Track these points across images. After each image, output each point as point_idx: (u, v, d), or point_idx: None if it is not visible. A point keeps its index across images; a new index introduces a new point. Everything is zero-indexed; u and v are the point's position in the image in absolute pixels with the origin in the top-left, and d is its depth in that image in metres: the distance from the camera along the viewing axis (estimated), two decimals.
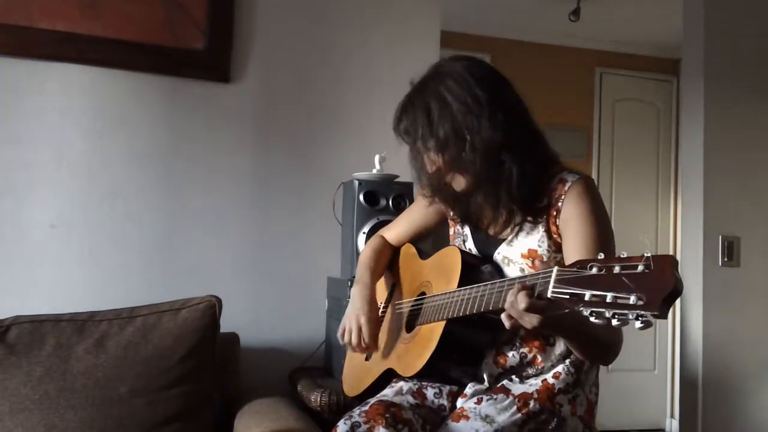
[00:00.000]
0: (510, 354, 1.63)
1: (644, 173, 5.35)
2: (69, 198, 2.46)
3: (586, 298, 1.10)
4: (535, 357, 1.62)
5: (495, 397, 1.57)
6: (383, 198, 2.32)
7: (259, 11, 2.67)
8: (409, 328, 1.75)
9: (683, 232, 3.31)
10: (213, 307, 2.18)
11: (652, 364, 5.27)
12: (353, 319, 1.80)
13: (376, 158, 2.38)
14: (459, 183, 1.62)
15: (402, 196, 2.31)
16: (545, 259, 1.58)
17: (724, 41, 3.11)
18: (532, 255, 1.59)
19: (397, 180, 2.37)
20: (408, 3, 2.86)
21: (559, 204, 1.56)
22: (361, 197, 2.31)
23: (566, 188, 1.56)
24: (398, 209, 2.25)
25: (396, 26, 2.83)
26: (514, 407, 1.54)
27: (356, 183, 2.32)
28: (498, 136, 1.53)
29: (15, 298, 2.35)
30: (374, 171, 2.37)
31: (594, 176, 5.22)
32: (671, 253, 5.23)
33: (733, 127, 3.11)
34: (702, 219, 3.04)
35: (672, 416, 5.19)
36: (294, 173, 2.68)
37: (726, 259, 3.04)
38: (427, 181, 1.68)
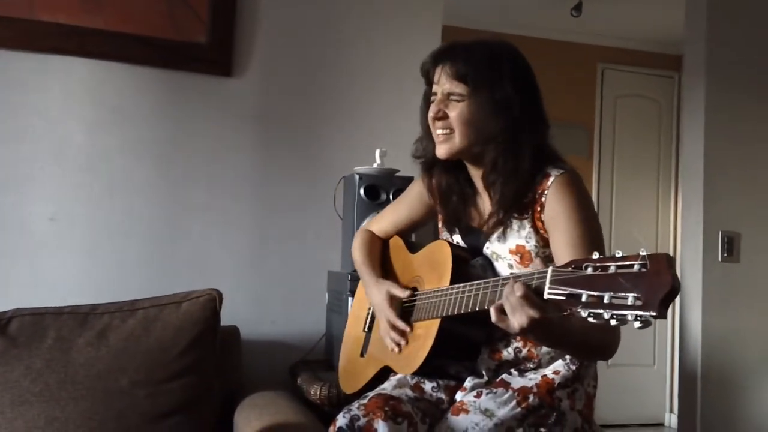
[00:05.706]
0: (504, 351, 1.64)
1: (645, 169, 5.35)
2: (70, 191, 2.46)
3: (584, 299, 1.09)
4: (530, 351, 1.62)
5: (495, 390, 1.57)
6: (384, 192, 2.32)
7: (261, 5, 2.67)
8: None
9: (683, 228, 3.31)
10: (213, 300, 2.17)
11: (651, 359, 5.28)
12: (383, 321, 1.76)
13: (377, 152, 2.39)
14: (457, 143, 1.60)
15: (402, 191, 2.31)
16: (533, 255, 1.57)
17: (726, 37, 3.11)
18: (520, 251, 1.58)
19: (398, 174, 2.37)
20: None
21: (543, 199, 1.55)
22: (362, 191, 2.31)
23: (549, 183, 1.55)
24: None
25: (398, 21, 2.83)
26: (514, 401, 1.54)
27: (357, 177, 2.32)
28: (538, 130, 1.60)
29: (16, 291, 2.36)
30: (375, 165, 2.37)
31: (595, 173, 5.23)
32: (671, 249, 5.24)
33: (734, 123, 3.11)
34: (702, 214, 3.04)
35: (671, 411, 5.20)
36: (295, 167, 2.68)
37: (726, 255, 3.04)
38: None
